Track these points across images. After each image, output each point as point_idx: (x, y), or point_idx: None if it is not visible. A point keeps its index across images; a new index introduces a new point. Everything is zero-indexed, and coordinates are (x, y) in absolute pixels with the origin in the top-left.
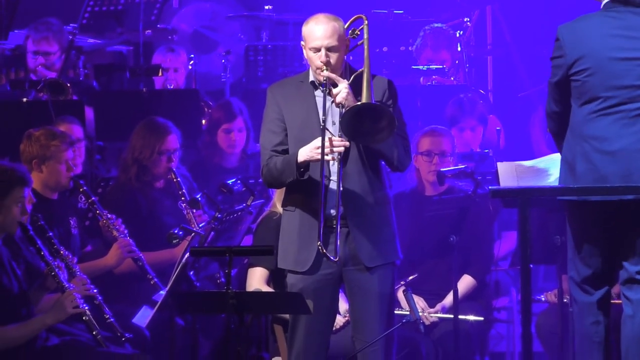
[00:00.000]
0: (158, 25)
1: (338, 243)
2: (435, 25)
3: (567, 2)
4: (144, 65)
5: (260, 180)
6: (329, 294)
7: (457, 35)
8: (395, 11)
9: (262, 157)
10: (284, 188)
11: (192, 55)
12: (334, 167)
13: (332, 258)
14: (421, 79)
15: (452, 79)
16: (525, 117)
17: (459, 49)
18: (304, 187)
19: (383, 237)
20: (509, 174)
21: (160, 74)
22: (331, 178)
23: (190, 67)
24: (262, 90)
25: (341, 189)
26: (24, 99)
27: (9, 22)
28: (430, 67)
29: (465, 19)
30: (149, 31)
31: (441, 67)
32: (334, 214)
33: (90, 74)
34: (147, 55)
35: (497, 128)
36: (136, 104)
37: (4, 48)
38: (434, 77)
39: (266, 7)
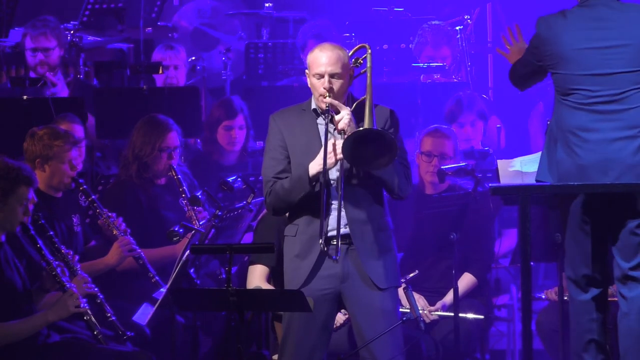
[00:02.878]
0: (158, 23)
1: (339, 246)
2: (434, 22)
3: None
4: (145, 62)
5: (261, 177)
6: (324, 310)
7: (457, 29)
8: (395, 8)
9: (264, 185)
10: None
11: (192, 58)
12: (334, 191)
13: (334, 257)
14: (422, 76)
15: (453, 77)
16: (526, 115)
17: (459, 44)
18: (305, 212)
19: (388, 262)
20: (509, 171)
21: (160, 71)
22: (334, 203)
23: (198, 67)
24: (262, 88)
25: (344, 211)
26: (24, 97)
27: (10, 19)
28: (431, 64)
29: (465, 17)
30: (150, 28)
31: (441, 64)
32: (345, 231)
33: (90, 71)
34: (148, 53)
35: (497, 126)
36: (137, 102)
37: (4, 45)
38: (435, 76)
39: (266, 5)
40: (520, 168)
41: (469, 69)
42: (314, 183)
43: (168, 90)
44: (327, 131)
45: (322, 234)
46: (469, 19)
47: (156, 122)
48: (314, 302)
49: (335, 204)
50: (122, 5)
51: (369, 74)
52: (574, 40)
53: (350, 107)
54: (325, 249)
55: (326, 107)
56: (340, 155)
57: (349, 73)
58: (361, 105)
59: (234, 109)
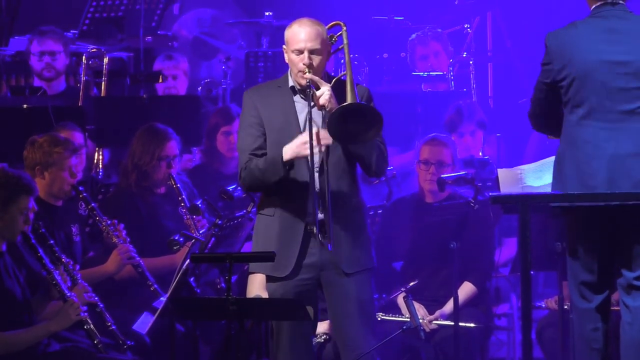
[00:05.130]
0: (158, 32)
1: (331, 233)
2: (416, 34)
3: (568, 7)
4: (145, 71)
5: None
6: (310, 299)
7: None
8: (395, 17)
9: (240, 161)
10: None
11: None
12: (314, 173)
13: (329, 246)
14: (422, 85)
15: (447, 74)
16: (526, 124)
17: (450, 48)
18: (284, 191)
19: (360, 243)
20: (509, 180)
21: (160, 80)
22: (315, 186)
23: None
24: None
25: (320, 190)
26: (24, 105)
27: (10, 28)
28: (431, 73)
29: (465, 26)
30: (150, 37)
31: (441, 73)
32: (320, 217)
33: (90, 80)
34: (148, 62)
35: (497, 134)
36: (136, 111)
37: (4, 54)
38: (423, 83)
39: (266, 14)
40: (527, 180)
41: (452, 76)
42: (287, 167)
43: (168, 99)
44: (310, 107)
45: (317, 222)
46: (468, 28)
47: (155, 131)
48: (299, 291)
49: (316, 188)
50: (122, 14)
51: (346, 51)
52: (586, 52)
53: (329, 84)
54: (320, 239)
55: (307, 83)
56: (324, 142)
57: (327, 49)
58: (340, 82)
59: (231, 114)
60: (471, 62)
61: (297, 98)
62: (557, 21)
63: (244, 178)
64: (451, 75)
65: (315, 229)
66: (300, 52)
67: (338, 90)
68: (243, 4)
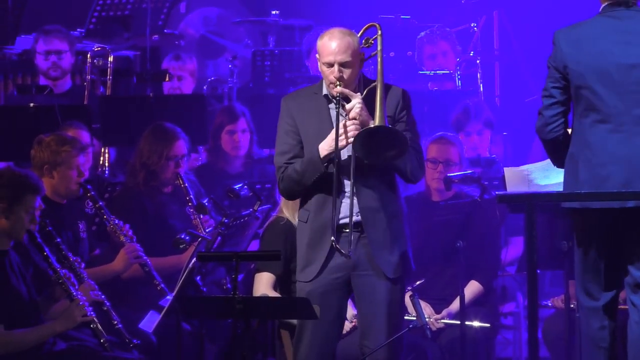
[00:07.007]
0: (165, 30)
1: (352, 238)
2: (424, 32)
3: (574, 6)
4: (151, 70)
5: (267, 185)
6: (336, 299)
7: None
8: (402, 16)
9: (276, 172)
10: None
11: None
12: (347, 181)
13: (344, 252)
14: (429, 84)
15: (454, 73)
16: (532, 123)
17: (458, 48)
18: (316, 199)
19: (401, 250)
20: (515, 179)
21: (167, 79)
22: (346, 190)
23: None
24: (268, 96)
25: (355, 199)
26: (31, 104)
27: (16, 26)
28: (437, 72)
29: (472, 24)
30: (156, 36)
31: (448, 72)
32: (348, 221)
33: (96, 79)
34: (154, 60)
35: (504, 133)
36: (142, 110)
37: (11, 53)
38: (430, 82)
39: (273, 12)
40: (535, 180)
41: (459, 75)
42: (326, 164)
43: (174, 98)
44: (338, 120)
45: (333, 229)
46: (475, 26)
47: (164, 131)
48: (326, 290)
49: (347, 192)
50: (128, 12)
51: (379, 59)
52: (599, 54)
53: (362, 91)
54: (337, 246)
55: (337, 95)
56: (351, 139)
57: (360, 58)
58: (373, 91)
59: (235, 113)
60: (478, 61)
61: (333, 105)
62: (563, 19)
63: (282, 187)
64: (458, 74)
65: (334, 238)
66: (331, 65)
67: (371, 99)
68: (249, 2)
